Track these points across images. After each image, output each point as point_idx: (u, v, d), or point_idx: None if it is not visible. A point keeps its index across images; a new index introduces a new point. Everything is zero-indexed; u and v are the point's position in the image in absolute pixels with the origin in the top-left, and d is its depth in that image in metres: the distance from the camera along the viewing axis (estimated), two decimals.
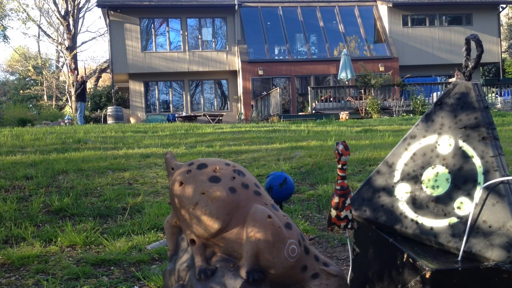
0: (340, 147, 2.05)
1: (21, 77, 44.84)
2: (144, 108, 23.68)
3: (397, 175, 2.03)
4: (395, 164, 2.05)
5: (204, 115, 21.97)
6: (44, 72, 39.55)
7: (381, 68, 23.12)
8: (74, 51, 33.22)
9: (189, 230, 1.94)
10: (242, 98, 23.21)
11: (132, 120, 22.44)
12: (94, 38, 71.17)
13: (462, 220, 1.78)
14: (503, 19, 34.77)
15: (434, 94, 19.19)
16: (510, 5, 28.87)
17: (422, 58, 24.55)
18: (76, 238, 3.50)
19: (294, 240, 1.85)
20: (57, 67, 42.84)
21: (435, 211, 1.85)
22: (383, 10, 24.86)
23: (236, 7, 23.57)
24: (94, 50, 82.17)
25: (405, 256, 1.77)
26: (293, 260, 1.83)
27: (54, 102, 39.44)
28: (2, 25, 32.83)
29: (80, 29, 37.80)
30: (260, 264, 1.84)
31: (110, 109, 20.94)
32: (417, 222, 1.89)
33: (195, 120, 21.18)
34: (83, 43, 57.98)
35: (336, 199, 2.05)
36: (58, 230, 3.71)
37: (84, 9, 37.51)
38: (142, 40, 23.53)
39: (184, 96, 24.33)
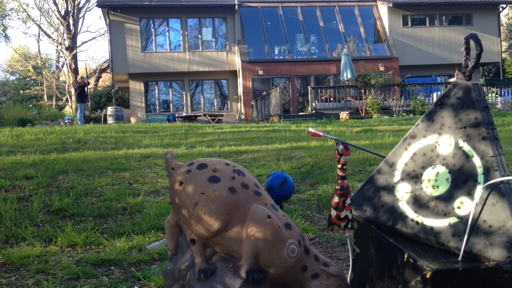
0: (340, 147, 2.05)
1: (21, 77, 44.84)
2: (144, 108, 23.67)
3: (397, 175, 2.02)
4: (396, 164, 2.05)
5: (204, 115, 21.96)
6: (44, 72, 39.55)
7: (381, 68, 23.11)
8: (74, 51, 33.22)
9: (189, 230, 1.94)
10: (242, 98, 23.20)
11: (132, 120, 22.44)
12: (94, 38, 71.30)
13: (463, 220, 1.78)
14: (503, 19, 34.75)
15: (434, 94, 19.18)
16: (510, 5, 28.87)
17: (422, 58, 24.54)
18: (76, 238, 3.50)
19: (294, 240, 1.85)
20: (57, 67, 42.85)
21: (436, 211, 1.85)
22: (383, 10, 24.85)
23: (236, 7, 23.57)
24: (94, 50, 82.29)
25: (406, 256, 1.77)
26: (292, 260, 1.83)
27: (54, 102, 39.45)
28: (3, 25, 32.86)
29: (80, 29, 37.82)
30: (260, 264, 1.84)
31: (110, 109, 20.93)
32: (417, 222, 1.88)
33: (195, 120, 21.17)
34: (83, 43, 58.10)
35: (336, 199, 2.05)
36: (58, 230, 3.71)
37: (84, 9, 37.53)
38: (142, 40, 23.53)
39: (184, 96, 24.33)
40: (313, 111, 19.20)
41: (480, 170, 1.80)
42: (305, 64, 23.55)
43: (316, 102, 19.57)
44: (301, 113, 20.71)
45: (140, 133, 10.00)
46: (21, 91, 40.81)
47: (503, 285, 1.64)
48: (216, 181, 1.88)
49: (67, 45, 33.38)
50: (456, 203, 1.82)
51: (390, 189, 2.02)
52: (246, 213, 1.85)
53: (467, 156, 1.85)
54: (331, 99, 19.74)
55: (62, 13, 33.66)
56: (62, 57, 38.71)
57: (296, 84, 23.86)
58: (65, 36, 34.08)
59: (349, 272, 2.21)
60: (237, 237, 1.85)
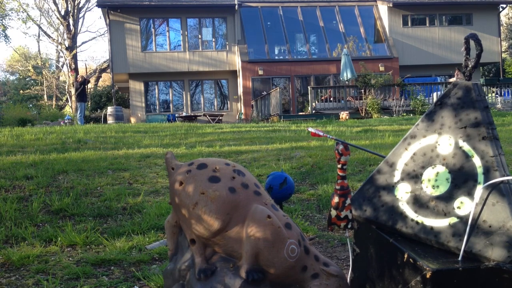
0: (340, 147, 2.05)
1: (21, 77, 44.84)
2: (144, 108, 23.67)
3: (397, 175, 2.02)
4: (396, 164, 2.05)
5: (204, 115, 21.96)
6: (44, 72, 39.54)
7: (381, 68, 23.11)
8: (74, 51, 33.22)
9: (189, 230, 1.94)
10: (242, 98, 23.20)
11: (132, 120, 22.44)
12: (94, 38, 71.29)
13: (463, 220, 1.78)
14: (503, 19, 34.74)
15: (434, 94, 19.19)
16: (510, 5, 28.86)
17: (422, 58, 24.54)
18: (76, 238, 3.50)
19: (294, 240, 1.85)
20: (57, 67, 42.85)
21: (436, 211, 1.85)
22: (383, 10, 24.85)
23: (236, 7, 23.57)
24: (94, 50, 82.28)
25: (406, 256, 1.77)
26: (292, 260, 1.83)
27: (54, 102, 39.44)
28: (3, 25, 32.87)
29: (80, 29, 37.81)
30: (260, 264, 1.83)
31: (110, 109, 20.94)
32: (417, 222, 1.88)
33: (195, 120, 21.17)
34: (83, 43, 58.08)
35: (336, 199, 2.04)
36: (58, 230, 3.71)
37: (84, 9, 37.52)
38: (142, 40, 23.53)
39: (184, 96, 24.33)
40: (313, 111, 19.20)
41: (480, 170, 1.80)
42: (305, 64, 23.55)
43: (316, 102, 19.57)
44: (301, 113, 20.70)
45: (140, 133, 10.00)
46: (21, 91, 40.79)
47: (503, 285, 1.64)
48: (216, 181, 1.88)
49: (67, 45, 33.38)
50: (456, 203, 1.82)
51: (390, 189, 2.02)
52: (246, 213, 1.85)
53: (467, 156, 1.84)
54: (331, 99, 19.74)
55: (62, 13, 33.66)
56: (62, 57, 38.72)
57: (296, 84, 23.86)
58: (65, 36, 34.08)
59: (349, 272, 2.21)
60: (237, 237, 1.85)
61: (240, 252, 1.85)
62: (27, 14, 34.22)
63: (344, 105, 19.36)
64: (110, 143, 8.10)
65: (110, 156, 6.50)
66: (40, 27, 38.70)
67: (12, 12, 33.42)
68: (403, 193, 1.97)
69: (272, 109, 19.50)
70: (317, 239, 3.53)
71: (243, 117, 22.78)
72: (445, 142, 1.92)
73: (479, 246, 1.69)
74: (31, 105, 37.86)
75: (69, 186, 4.89)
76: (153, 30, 23.92)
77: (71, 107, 32.63)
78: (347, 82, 20.45)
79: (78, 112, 17.96)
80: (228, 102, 24.60)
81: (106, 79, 41.20)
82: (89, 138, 8.79)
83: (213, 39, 24.33)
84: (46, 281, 2.79)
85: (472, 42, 1.95)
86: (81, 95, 17.84)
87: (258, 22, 24.30)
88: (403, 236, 1.91)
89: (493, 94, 20.47)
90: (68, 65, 34.38)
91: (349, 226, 2.06)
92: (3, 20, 33.25)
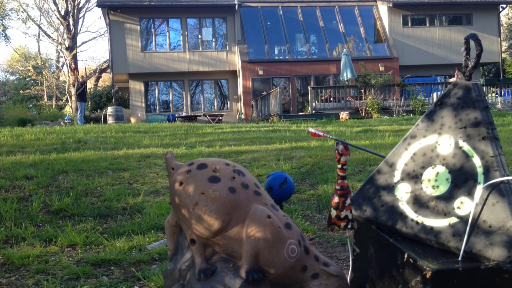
0: (340, 147, 2.05)
1: (21, 77, 44.82)
2: (144, 108, 23.67)
3: (397, 175, 2.02)
4: (396, 164, 2.05)
5: (204, 115, 21.96)
6: (44, 72, 39.53)
7: (381, 68, 23.11)
8: (74, 51, 33.20)
9: (189, 230, 1.94)
10: (242, 98, 23.21)
11: (132, 120, 22.44)
12: (94, 38, 71.28)
13: (463, 220, 1.78)
14: (503, 19, 34.75)
15: (434, 94, 19.19)
16: (510, 5, 28.85)
17: (422, 58, 24.54)
18: (76, 238, 3.50)
19: (294, 240, 1.85)
20: (57, 67, 42.84)
21: (436, 211, 1.85)
22: (383, 10, 24.85)
23: (236, 7, 23.57)
24: (94, 50, 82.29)
25: (406, 256, 1.77)
26: (292, 260, 1.83)
27: (54, 102, 39.43)
28: (3, 25, 32.87)
29: (80, 29, 37.79)
30: (260, 264, 1.83)
31: (110, 109, 20.93)
32: (417, 222, 1.88)
33: (195, 120, 21.16)
34: (83, 43, 58.09)
35: (336, 199, 2.05)
36: (58, 230, 3.71)
37: (84, 9, 37.49)
38: (142, 40, 23.53)
39: (184, 96, 24.33)
40: (313, 111, 19.19)
41: (480, 170, 1.80)
42: (305, 64, 23.55)
43: (316, 102, 19.57)
44: (301, 113, 20.70)
45: (140, 133, 10.00)
46: (21, 91, 40.77)
47: (503, 285, 1.64)
48: (216, 181, 1.88)
49: (67, 45, 33.36)
50: (456, 203, 1.82)
51: (390, 189, 2.02)
52: (246, 213, 1.85)
53: (467, 156, 1.85)
54: (331, 99, 19.74)
55: (62, 13, 33.65)
56: (62, 57, 38.70)
57: (296, 84, 23.86)
58: (65, 36, 34.06)
59: (349, 272, 2.21)
60: (237, 237, 1.85)
61: (240, 252, 1.85)
62: (27, 14, 34.23)
63: (344, 105, 19.35)
64: (110, 143, 8.10)
65: (110, 156, 6.50)
66: (40, 27, 38.72)
67: (12, 12, 33.45)
68: (403, 193, 1.97)
69: (272, 109, 19.50)
70: (317, 239, 3.53)
71: (243, 117, 22.78)
72: (445, 142, 1.92)
73: (479, 246, 1.69)
74: (31, 105, 37.85)
75: (69, 186, 4.89)
76: (153, 30, 23.92)
77: (71, 107, 32.61)
78: (347, 82, 20.44)
79: (78, 112, 17.95)
80: (228, 102, 24.60)
81: (106, 79, 41.19)
82: (89, 138, 8.79)
83: (213, 39, 24.33)
84: (46, 281, 2.79)
85: (472, 42, 1.95)
86: (82, 95, 17.84)
87: (258, 22, 24.30)
88: (403, 236, 1.91)
89: (493, 94, 20.47)
90: (68, 65, 34.37)
91: (349, 226, 2.06)
92: (3, 20, 33.27)
